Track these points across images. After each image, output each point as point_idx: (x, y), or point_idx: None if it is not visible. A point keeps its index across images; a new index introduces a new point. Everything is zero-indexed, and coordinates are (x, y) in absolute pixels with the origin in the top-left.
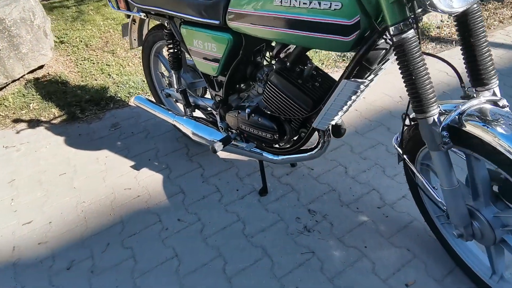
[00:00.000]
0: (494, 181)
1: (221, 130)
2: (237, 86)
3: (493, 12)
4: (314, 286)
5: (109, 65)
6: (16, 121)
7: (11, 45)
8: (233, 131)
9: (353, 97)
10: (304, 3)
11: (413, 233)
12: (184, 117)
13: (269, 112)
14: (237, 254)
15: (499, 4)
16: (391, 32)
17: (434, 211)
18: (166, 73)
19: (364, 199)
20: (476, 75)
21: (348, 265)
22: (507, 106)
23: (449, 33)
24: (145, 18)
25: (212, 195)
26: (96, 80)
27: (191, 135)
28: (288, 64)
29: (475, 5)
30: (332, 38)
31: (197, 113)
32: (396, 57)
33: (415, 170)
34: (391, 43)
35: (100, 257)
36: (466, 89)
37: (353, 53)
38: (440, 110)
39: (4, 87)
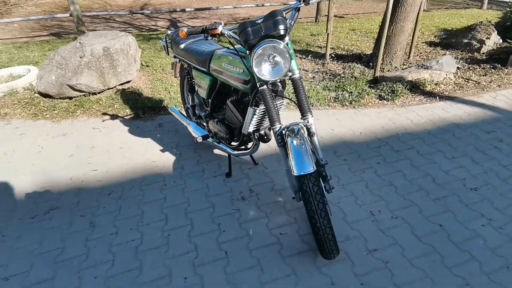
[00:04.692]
0: None
1: (206, 131)
2: (217, 107)
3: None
4: (234, 232)
5: (171, 85)
6: (104, 114)
7: (111, 66)
8: (212, 132)
9: (255, 116)
10: (231, 67)
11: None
12: (192, 122)
13: (226, 122)
14: (198, 201)
15: None
16: (258, 86)
17: None
18: None
19: (286, 185)
20: (300, 111)
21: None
22: (314, 134)
23: (442, 90)
24: (179, 61)
25: (198, 174)
26: (160, 94)
27: (191, 131)
28: (239, 96)
29: (296, 76)
30: (242, 85)
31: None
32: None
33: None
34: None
35: (127, 192)
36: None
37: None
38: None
39: (102, 91)
